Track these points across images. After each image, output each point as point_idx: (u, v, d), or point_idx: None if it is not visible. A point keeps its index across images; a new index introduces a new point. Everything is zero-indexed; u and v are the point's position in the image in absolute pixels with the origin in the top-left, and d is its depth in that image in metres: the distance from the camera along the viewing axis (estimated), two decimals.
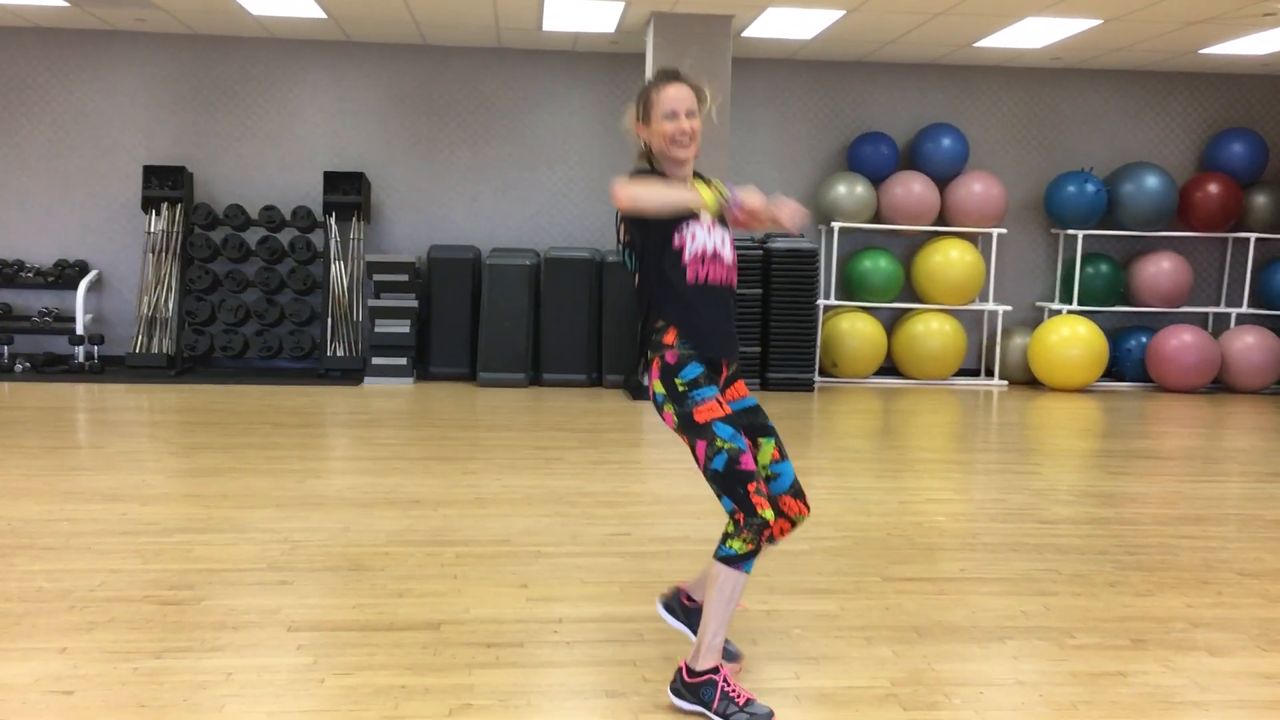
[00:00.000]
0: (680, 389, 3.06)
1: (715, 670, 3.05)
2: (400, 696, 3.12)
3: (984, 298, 10.63)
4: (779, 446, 3.21)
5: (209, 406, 8.05)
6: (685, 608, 3.43)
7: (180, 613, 3.75)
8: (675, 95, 3.13)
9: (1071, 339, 9.81)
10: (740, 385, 3.24)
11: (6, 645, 3.42)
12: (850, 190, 10.09)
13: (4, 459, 6.09)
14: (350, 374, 9.72)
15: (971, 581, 4.34)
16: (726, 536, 2.99)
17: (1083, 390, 10.10)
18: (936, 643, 3.66)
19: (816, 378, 9.96)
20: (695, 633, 3.24)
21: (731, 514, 2.99)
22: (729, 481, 2.98)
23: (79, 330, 9.62)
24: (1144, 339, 10.41)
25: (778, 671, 3.38)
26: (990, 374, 10.66)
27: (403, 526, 4.90)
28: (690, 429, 3.05)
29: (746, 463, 2.99)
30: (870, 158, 10.19)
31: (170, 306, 9.71)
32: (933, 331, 10.08)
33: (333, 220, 9.82)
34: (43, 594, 3.90)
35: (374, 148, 10.20)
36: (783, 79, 10.45)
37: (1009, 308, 10.45)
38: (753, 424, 3.18)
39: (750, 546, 2.97)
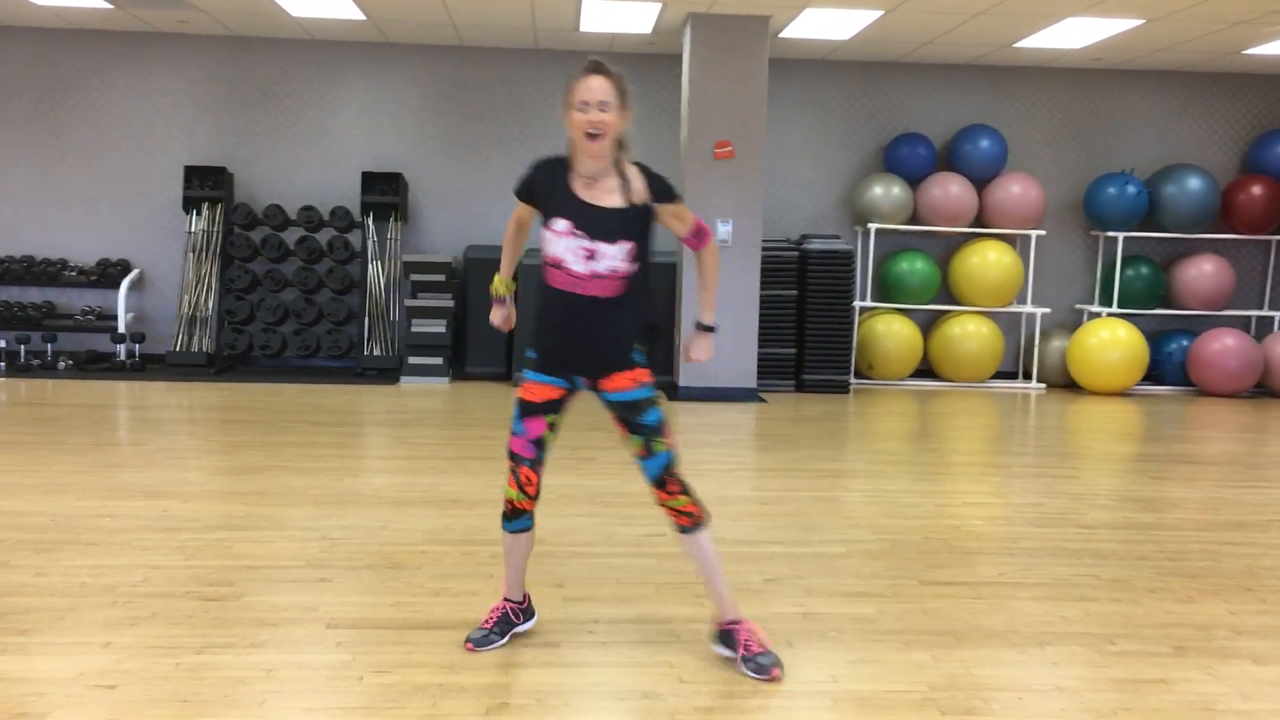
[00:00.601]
0: (523, 364, 3.48)
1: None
2: (438, 694, 3.14)
3: (1022, 300, 10.54)
4: (644, 445, 3.33)
5: (248, 405, 8.12)
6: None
7: (221, 609, 3.79)
8: (590, 86, 3.18)
9: (1111, 342, 9.71)
10: (621, 378, 3.34)
11: (51, 639, 3.47)
12: (887, 191, 10.03)
13: (48, 455, 6.17)
14: (387, 373, 9.78)
15: (1010, 586, 4.30)
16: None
17: (1122, 394, 10.00)
18: (974, 647, 3.63)
19: (852, 380, 9.92)
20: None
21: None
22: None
23: (121, 329, 9.74)
24: (1185, 342, 10.29)
25: (815, 674, 3.37)
26: (1028, 377, 10.57)
27: (439, 525, 4.92)
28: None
29: (514, 445, 3.36)
30: (907, 159, 10.13)
31: (210, 305, 9.82)
32: (970, 334, 10.01)
33: (370, 220, 9.89)
34: (86, 589, 3.95)
35: (411, 148, 10.26)
36: (820, 80, 10.42)
37: (1047, 310, 10.36)
38: (626, 419, 3.34)
39: (505, 511, 3.42)
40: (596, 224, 3.24)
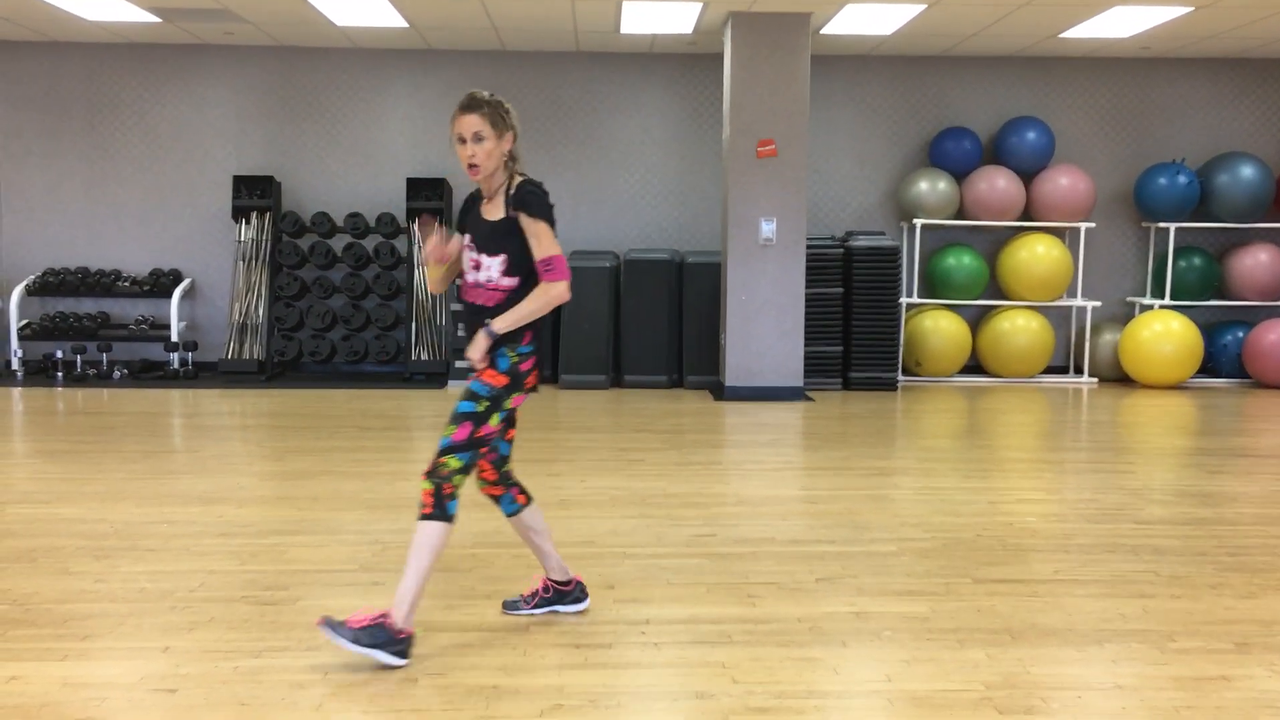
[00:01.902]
0: None
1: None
2: (492, 697, 3.15)
3: (1072, 293, 10.41)
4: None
5: (298, 410, 8.21)
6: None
7: (277, 613, 3.83)
8: (463, 122, 3.42)
9: (1164, 334, 9.57)
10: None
11: (112, 644, 3.53)
12: (932, 186, 9.95)
13: (105, 463, 6.28)
14: (434, 377, 9.84)
15: (1066, 583, 4.25)
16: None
17: (1176, 387, 9.84)
18: (1031, 646, 3.59)
19: (900, 377, 9.85)
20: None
21: None
22: None
23: (173, 337, 9.89)
24: (1240, 334, 10.11)
25: (869, 674, 3.34)
26: (1079, 371, 10.44)
27: (489, 529, 4.94)
28: None
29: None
30: (953, 153, 10.04)
31: (260, 313, 9.94)
32: (1019, 329, 9.90)
33: (416, 226, 9.96)
34: (145, 594, 4.02)
35: (454, 154, 10.29)
36: (862, 75, 10.35)
37: (1098, 303, 10.22)
38: None
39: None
40: (480, 235, 3.52)
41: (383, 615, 3.33)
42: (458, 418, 3.40)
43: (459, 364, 9.64)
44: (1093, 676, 3.34)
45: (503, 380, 3.45)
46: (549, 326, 9.76)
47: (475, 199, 3.64)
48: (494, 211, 3.51)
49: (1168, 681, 3.31)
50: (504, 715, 3.03)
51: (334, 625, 3.30)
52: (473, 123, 3.41)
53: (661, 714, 3.08)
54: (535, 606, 3.82)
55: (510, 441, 3.72)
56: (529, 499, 3.74)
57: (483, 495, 3.70)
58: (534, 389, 3.56)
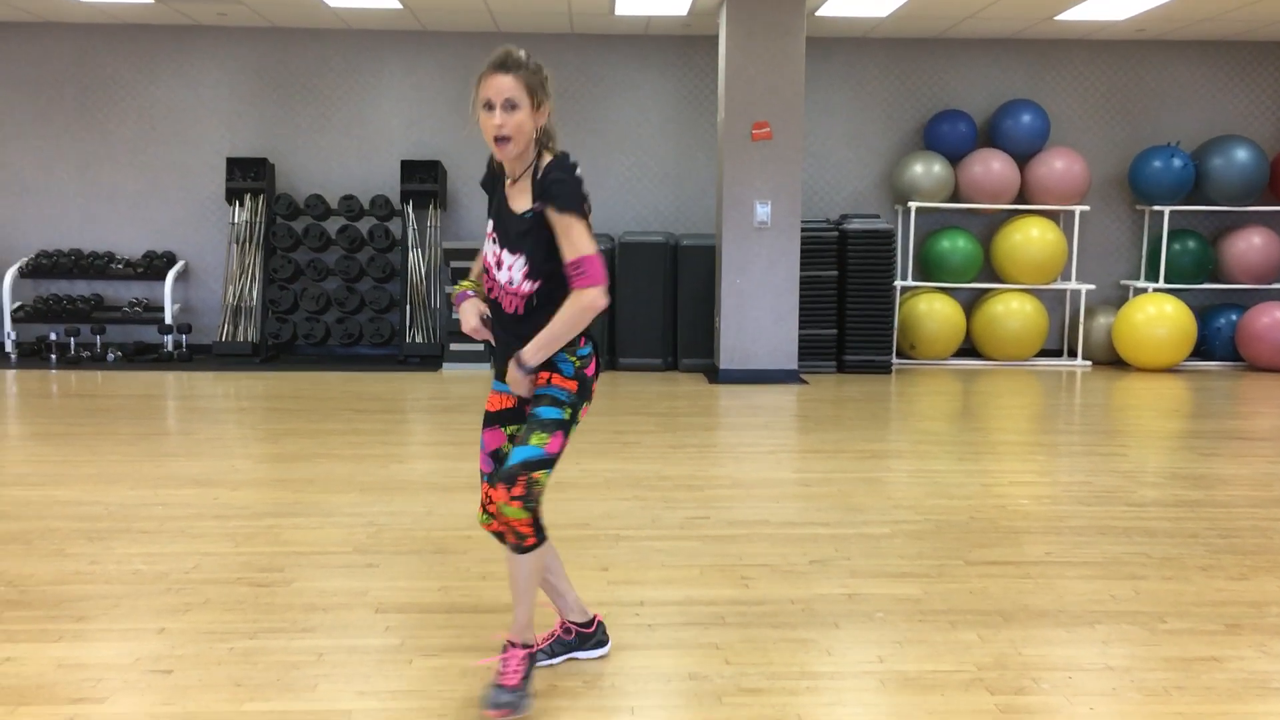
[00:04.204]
0: None
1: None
2: (487, 677, 3.16)
3: (1066, 277, 10.42)
4: (523, 432, 2.97)
5: (293, 393, 8.21)
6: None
7: (272, 594, 3.84)
8: (496, 85, 2.81)
9: (1158, 317, 9.58)
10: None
11: (108, 626, 3.54)
12: (927, 169, 9.95)
13: (100, 446, 6.28)
14: (429, 360, 9.84)
15: (1057, 565, 4.27)
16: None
17: (1170, 370, 9.86)
18: (1023, 627, 3.61)
19: (894, 360, 9.86)
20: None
21: None
22: None
23: (168, 320, 9.87)
24: (1234, 317, 10.13)
25: (861, 655, 3.36)
26: (1073, 354, 10.46)
27: None
28: None
29: (482, 461, 3.11)
30: (948, 136, 10.03)
31: (254, 295, 9.92)
32: (1013, 312, 9.91)
33: (410, 208, 9.94)
34: (140, 576, 4.02)
35: (449, 136, 10.29)
36: (857, 58, 10.33)
37: (1092, 286, 10.23)
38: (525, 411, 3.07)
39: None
40: (505, 229, 2.97)
41: (521, 650, 3.02)
42: (546, 426, 2.90)
43: (453, 346, 9.64)
44: (1084, 657, 3.36)
45: (572, 385, 2.97)
46: None
47: (502, 176, 3.03)
48: (519, 199, 2.94)
49: (1158, 662, 3.33)
50: None
51: (500, 702, 2.90)
52: (506, 86, 2.81)
53: (655, 695, 3.09)
54: (553, 655, 3.28)
55: None
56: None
57: (487, 527, 3.05)
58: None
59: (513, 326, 2.99)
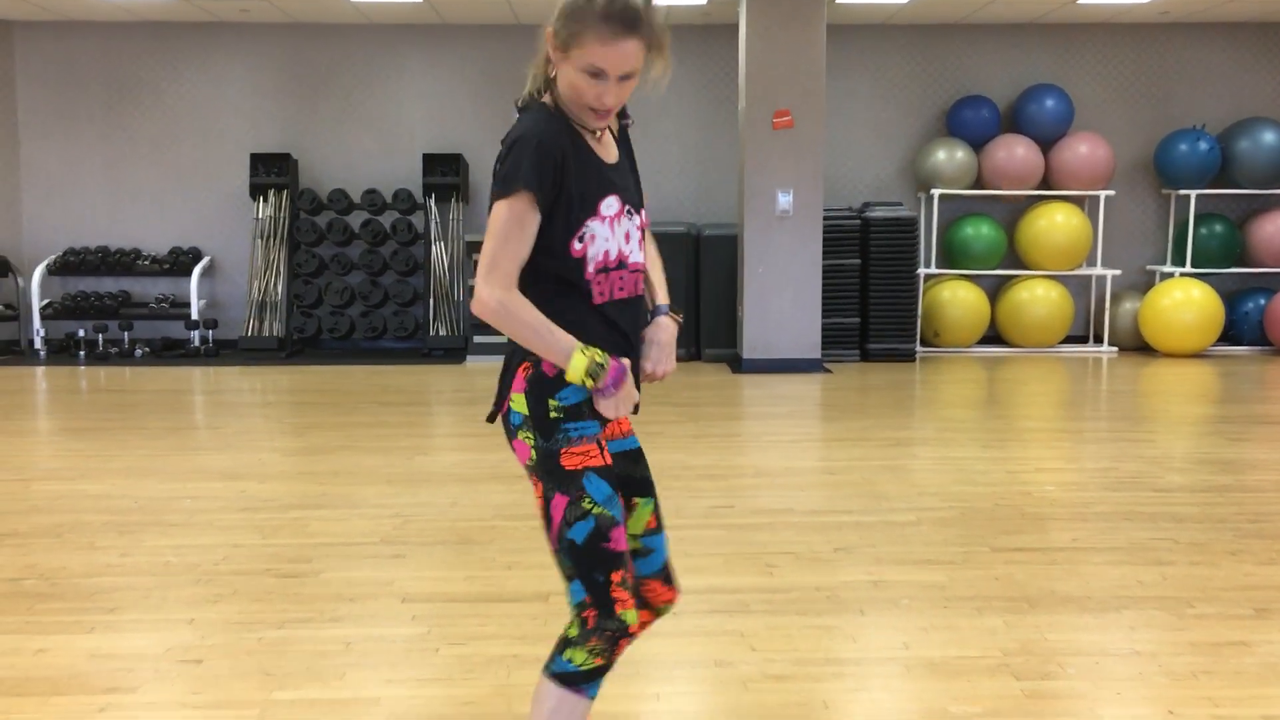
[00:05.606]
0: (552, 414, 2.12)
1: None
2: (512, 665, 3.19)
3: (1091, 262, 10.35)
4: (656, 511, 2.32)
5: (318, 387, 8.27)
6: None
7: (300, 585, 3.88)
8: (616, 50, 2.03)
9: (1185, 302, 9.50)
10: (623, 419, 2.31)
11: (139, 616, 3.58)
12: (950, 156, 9.89)
13: (129, 440, 6.34)
14: (453, 353, 9.88)
15: (1084, 551, 4.25)
16: (566, 644, 2.13)
17: (1197, 355, 9.78)
18: (1049, 613, 3.60)
19: (918, 348, 9.83)
20: None
21: (579, 608, 2.11)
22: (589, 563, 2.09)
23: (194, 315, 9.95)
24: (1262, 301, 10.03)
25: (887, 641, 3.36)
26: (1099, 340, 10.39)
27: (509, 500, 4.98)
28: (550, 474, 2.12)
29: (619, 540, 2.11)
30: (970, 122, 9.97)
31: (279, 290, 9.98)
32: (1038, 298, 9.85)
33: (432, 202, 9.98)
34: (170, 568, 4.07)
35: (471, 129, 10.31)
36: (878, 45, 10.28)
37: (1118, 272, 10.15)
38: (630, 476, 2.28)
39: (599, 661, 2.11)
40: (626, 186, 2.23)
41: None
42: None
43: (476, 338, 9.67)
44: (1110, 642, 3.35)
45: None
46: None
47: (578, 140, 2.14)
48: (609, 150, 2.23)
49: (1186, 647, 3.31)
50: (524, 684, 3.06)
51: None
52: (631, 54, 2.05)
53: (681, 682, 3.11)
54: None
55: None
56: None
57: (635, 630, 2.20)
58: None
59: (639, 314, 2.27)
